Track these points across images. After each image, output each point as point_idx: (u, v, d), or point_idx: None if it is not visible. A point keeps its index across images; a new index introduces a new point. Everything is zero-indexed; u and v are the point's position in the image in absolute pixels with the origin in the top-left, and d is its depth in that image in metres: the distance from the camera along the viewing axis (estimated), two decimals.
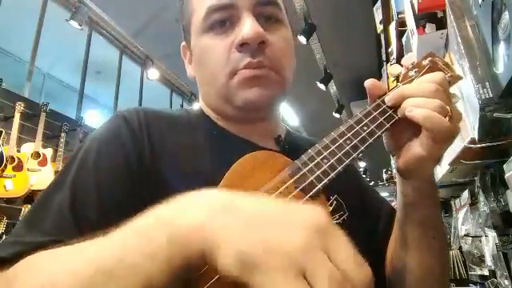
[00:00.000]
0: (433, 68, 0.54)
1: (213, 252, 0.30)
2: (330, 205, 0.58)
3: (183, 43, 0.67)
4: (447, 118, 0.45)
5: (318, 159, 0.44)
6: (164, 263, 0.31)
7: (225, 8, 0.55)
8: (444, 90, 0.48)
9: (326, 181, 0.43)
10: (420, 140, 0.47)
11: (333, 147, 0.45)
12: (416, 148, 0.48)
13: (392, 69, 0.57)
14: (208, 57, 0.57)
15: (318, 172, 0.43)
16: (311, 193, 0.43)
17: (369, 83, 0.53)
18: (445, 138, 0.46)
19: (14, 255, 0.40)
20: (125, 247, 0.33)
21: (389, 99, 0.50)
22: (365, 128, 0.48)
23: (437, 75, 0.50)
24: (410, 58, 0.57)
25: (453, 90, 0.53)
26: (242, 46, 0.54)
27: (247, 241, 0.29)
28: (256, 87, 0.55)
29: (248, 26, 0.53)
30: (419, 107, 0.46)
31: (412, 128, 0.48)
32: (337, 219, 0.58)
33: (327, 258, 0.28)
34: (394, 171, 0.56)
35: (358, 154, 0.46)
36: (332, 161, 0.44)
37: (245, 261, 0.28)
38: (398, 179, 0.54)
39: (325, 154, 0.44)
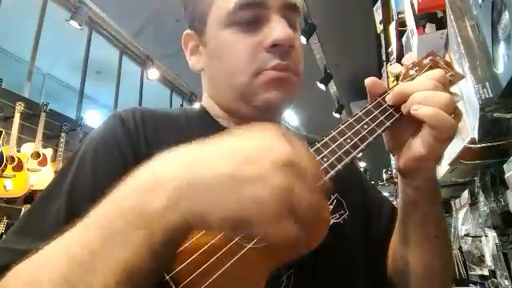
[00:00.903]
0: (434, 67, 0.53)
1: (198, 224, 0.31)
2: (331, 204, 0.58)
3: (188, 31, 0.63)
4: (452, 115, 0.45)
5: (318, 158, 0.44)
6: (139, 249, 0.31)
7: (255, 6, 0.54)
8: (444, 87, 0.48)
9: (325, 179, 0.43)
10: (421, 138, 0.47)
11: (333, 146, 0.45)
12: (416, 147, 0.48)
13: (392, 68, 0.56)
14: (230, 52, 0.55)
15: None
16: None
17: (369, 81, 0.53)
18: (448, 136, 0.46)
19: (7, 263, 0.39)
20: (96, 239, 0.33)
21: (389, 98, 0.50)
22: (365, 126, 0.48)
23: (436, 72, 0.49)
24: (410, 58, 0.57)
25: (453, 89, 0.53)
26: (273, 47, 0.53)
27: (228, 204, 0.30)
28: (279, 89, 0.55)
29: (282, 29, 0.53)
30: (427, 105, 0.46)
31: (412, 127, 0.48)
32: (337, 218, 0.58)
33: (306, 190, 0.31)
34: (394, 171, 0.56)
35: (359, 153, 0.46)
36: (332, 159, 0.44)
37: (235, 222, 0.30)
38: (399, 178, 0.54)
39: (325, 152, 0.44)
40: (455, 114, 0.46)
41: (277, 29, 0.53)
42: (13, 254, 0.40)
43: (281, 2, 0.55)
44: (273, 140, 0.32)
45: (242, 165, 0.30)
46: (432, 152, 0.47)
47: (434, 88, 0.47)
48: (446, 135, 0.45)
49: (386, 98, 0.50)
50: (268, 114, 0.58)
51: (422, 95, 0.47)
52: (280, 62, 0.54)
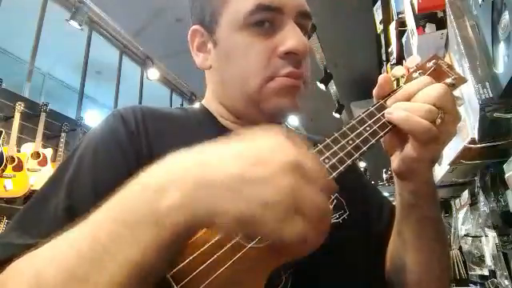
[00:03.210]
0: (437, 70, 0.53)
1: (206, 223, 0.32)
2: (331, 204, 0.58)
3: (196, 27, 0.60)
4: (439, 120, 0.45)
5: (321, 159, 0.44)
6: (148, 246, 0.31)
7: (273, 10, 0.53)
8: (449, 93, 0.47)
9: (330, 180, 0.43)
10: (410, 142, 0.48)
11: (335, 148, 0.45)
12: (408, 149, 0.48)
13: (395, 70, 0.56)
14: (242, 55, 0.54)
15: None
16: None
17: (380, 78, 0.52)
18: (427, 139, 0.45)
19: (6, 258, 0.39)
20: (106, 234, 0.32)
21: (390, 103, 0.50)
22: (367, 128, 0.48)
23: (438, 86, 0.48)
24: (413, 60, 0.56)
25: (455, 91, 0.53)
26: (288, 54, 0.53)
27: (239, 203, 0.30)
28: (290, 97, 0.55)
29: (298, 37, 0.53)
30: (400, 110, 0.46)
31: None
32: (336, 218, 0.58)
33: (312, 191, 0.31)
34: None
35: (360, 155, 0.46)
36: (333, 161, 0.44)
37: (246, 222, 0.30)
38: (395, 181, 0.54)
39: (327, 154, 0.44)
40: (443, 119, 0.46)
41: (293, 37, 0.53)
42: (12, 249, 0.40)
43: (297, 9, 0.55)
44: (279, 142, 0.32)
45: (252, 166, 0.31)
46: (422, 155, 0.47)
47: (444, 93, 0.46)
48: (423, 138, 0.45)
49: (388, 103, 0.50)
50: (274, 119, 0.58)
51: (402, 104, 0.47)
52: (294, 70, 0.54)
